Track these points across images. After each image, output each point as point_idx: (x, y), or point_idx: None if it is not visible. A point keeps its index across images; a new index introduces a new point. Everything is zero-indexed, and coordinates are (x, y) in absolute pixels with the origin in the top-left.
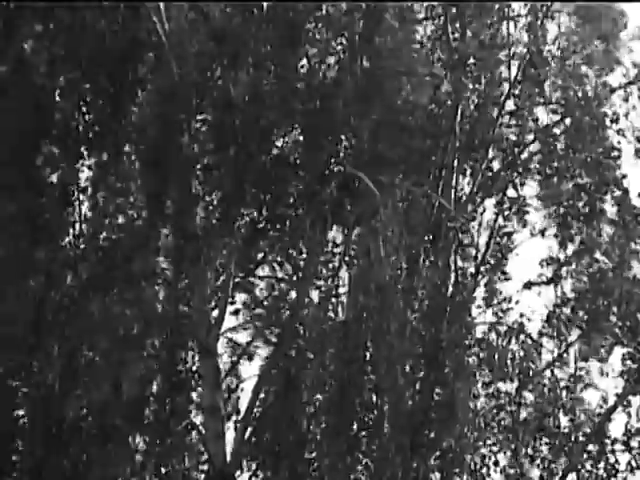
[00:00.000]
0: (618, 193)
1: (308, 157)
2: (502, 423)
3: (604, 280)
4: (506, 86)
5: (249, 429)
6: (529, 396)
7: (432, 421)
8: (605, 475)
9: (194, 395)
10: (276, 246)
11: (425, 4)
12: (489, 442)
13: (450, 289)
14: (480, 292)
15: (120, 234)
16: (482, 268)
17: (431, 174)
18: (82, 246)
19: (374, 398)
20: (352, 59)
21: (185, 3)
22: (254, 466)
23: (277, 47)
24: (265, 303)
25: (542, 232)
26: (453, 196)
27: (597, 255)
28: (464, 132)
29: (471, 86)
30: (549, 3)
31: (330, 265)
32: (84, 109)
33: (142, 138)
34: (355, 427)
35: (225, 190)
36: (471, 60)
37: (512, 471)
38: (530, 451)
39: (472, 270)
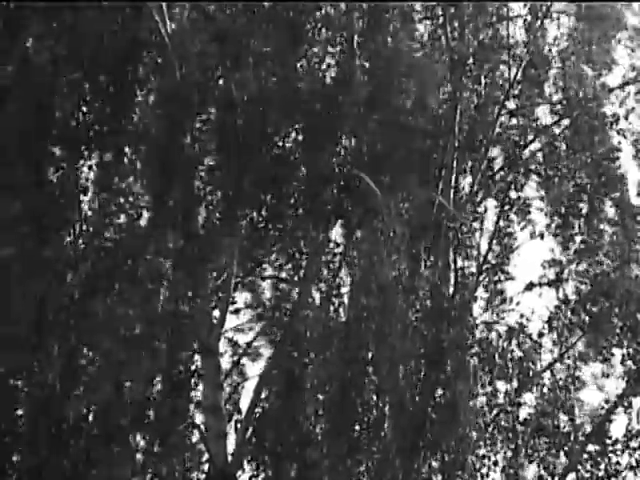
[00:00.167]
0: (618, 193)
1: (310, 157)
2: (502, 423)
3: (605, 281)
4: (506, 86)
5: (250, 429)
6: (529, 396)
7: (433, 422)
8: (605, 475)
9: (196, 394)
10: (277, 246)
11: (424, 4)
12: (489, 442)
13: (451, 289)
14: (481, 292)
15: (122, 234)
16: (484, 268)
17: (431, 174)
18: (83, 246)
19: (375, 398)
20: (353, 59)
21: (187, 3)
22: (255, 466)
23: (279, 47)
24: (267, 303)
25: (542, 235)
26: (452, 196)
27: (598, 256)
28: (464, 132)
29: (471, 86)
30: (549, 3)
31: (331, 265)
32: (86, 109)
33: (144, 138)
34: (356, 428)
35: (227, 190)
36: (470, 60)
37: (512, 471)
38: (530, 451)
39: (473, 270)
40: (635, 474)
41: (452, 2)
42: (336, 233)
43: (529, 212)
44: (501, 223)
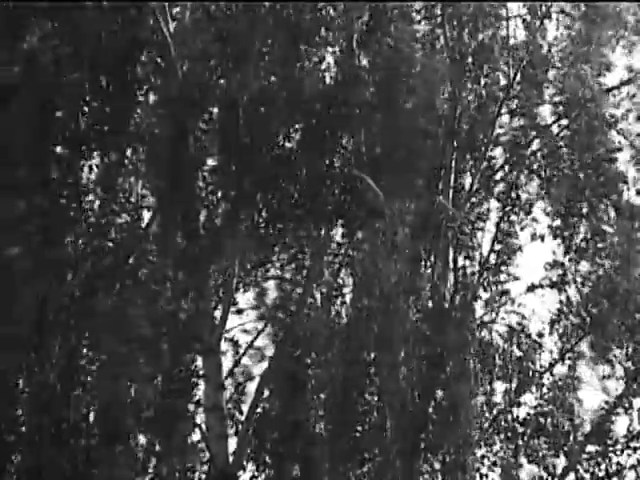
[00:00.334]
0: (617, 193)
1: (311, 158)
2: (501, 423)
3: (607, 283)
4: (507, 86)
5: (251, 429)
6: (529, 396)
7: (434, 423)
8: (605, 475)
9: (198, 394)
10: (279, 246)
11: (424, 4)
12: (489, 442)
13: (452, 290)
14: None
15: (122, 234)
16: (485, 268)
17: (431, 174)
18: (84, 246)
19: (376, 399)
20: (353, 59)
21: (189, 3)
22: (256, 466)
23: (280, 47)
24: (269, 303)
25: (542, 237)
26: (452, 196)
27: (600, 258)
28: (463, 132)
29: (470, 86)
30: (549, 3)
31: (333, 266)
32: (89, 109)
33: (146, 138)
34: (357, 428)
35: (228, 190)
36: (470, 60)
37: (512, 471)
38: (529, 451)
39: (474, 270)
40: (636, 474)
41: (452, 2)
42: (337, 234)
43: (530, 212)
44: (502, 224)
